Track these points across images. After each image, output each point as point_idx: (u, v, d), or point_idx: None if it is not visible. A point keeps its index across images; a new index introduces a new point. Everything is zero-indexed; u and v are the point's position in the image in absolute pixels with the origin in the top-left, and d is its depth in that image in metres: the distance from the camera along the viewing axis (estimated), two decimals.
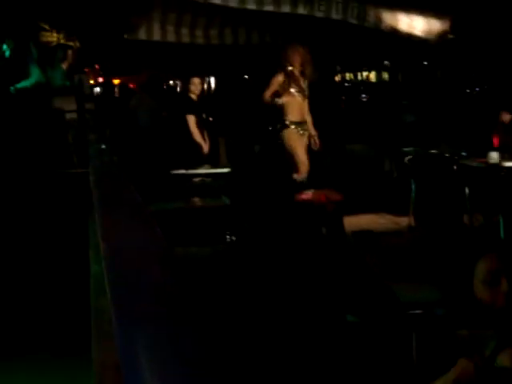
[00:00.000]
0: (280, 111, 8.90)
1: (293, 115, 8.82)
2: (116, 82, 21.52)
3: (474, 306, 2.44)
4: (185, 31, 11.99)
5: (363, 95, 18.48)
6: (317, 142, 8.82)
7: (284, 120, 8.85)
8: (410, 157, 9.14)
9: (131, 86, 19.26)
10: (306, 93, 8.83)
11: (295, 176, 8.19)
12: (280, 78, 8.87)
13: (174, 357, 0.83)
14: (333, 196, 7.17)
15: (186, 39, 12.13)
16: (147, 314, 0.97)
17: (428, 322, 3.24)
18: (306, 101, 8.87)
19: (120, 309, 1.03)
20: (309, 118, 8.91)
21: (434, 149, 9.63)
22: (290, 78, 8.77)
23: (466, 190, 8.13)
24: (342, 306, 2.65)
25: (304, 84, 8.83)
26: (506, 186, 7.51)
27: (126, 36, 11.65)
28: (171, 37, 11.90)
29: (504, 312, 2.39)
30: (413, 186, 8.77)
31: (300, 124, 8.82)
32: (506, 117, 8.18)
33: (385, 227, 8.91)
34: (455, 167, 8.49)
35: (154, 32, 11.71)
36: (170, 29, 11.81)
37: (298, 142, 8.77)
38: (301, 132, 8.80)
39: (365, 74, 25.87)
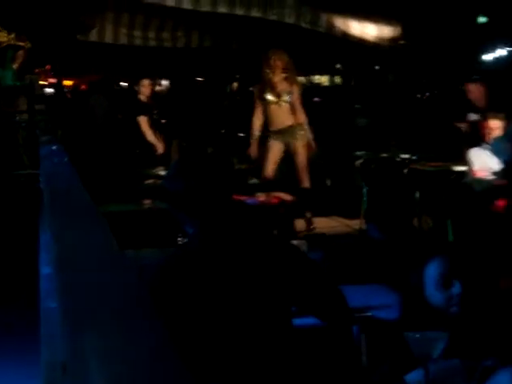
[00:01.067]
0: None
1: (272, 125, 8.71)
2: (67, 83, 21.33)
3: (424, 308, 2.46)
4: (137, 33, 11.95)
5: (316, 98, 18.57)
6: (312, 145, 8.73)
7: (266, 131, 8.75)
8: (361, 160, 9.22)
9: (83, 87, 19.10)
10: (287, 98, 8.64)
11: (249, 179, 8.19)
12: (256, 90, 8.76)
13: (122, 359, 0.83)
14: (285, 198, 7.20)
15: (138, 42, 12.09)
16: (96, 316, 0.97)
17: (377, 324, 3.27)
18: (287, 107, 8.62)
19: (69, 310, 1.03)
20: (304, 120, 8.72)
21: (385, 153, 9.72)
22: (267, 85, 8.62)
23: (416, 194, 8.23)
24: (291, 309, 2.66)
25: (288, 89, 8.64)
26: (455, 189, 7.61)
27: (78, 37, 11.56)
28: (123, 39, 11.85)
29: (456, 314, 2.42)
30: (364, 190, 8.85)
31: (280, 132, 8.70)
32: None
33: (336, 230, 8.97)
34: (406, 171, 8.59)
35: (106, 34, 11.65)
36: (123, 31, 11.76)
37: (272, 152, 8.72)
38: (283, 140, 8.68)
39: (317, 77, 25.99)
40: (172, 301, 2.55)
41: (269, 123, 8.72)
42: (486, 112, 8.17)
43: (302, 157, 8.70)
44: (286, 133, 8.66)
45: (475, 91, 8.42)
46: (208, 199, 2.71)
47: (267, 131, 8.77)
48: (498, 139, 7.25)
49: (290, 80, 8.64)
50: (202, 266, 2.61)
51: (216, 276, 2.59)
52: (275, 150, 8.73)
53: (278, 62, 8.56)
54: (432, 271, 2.49)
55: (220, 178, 2.77)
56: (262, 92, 8.65)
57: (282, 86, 8.59)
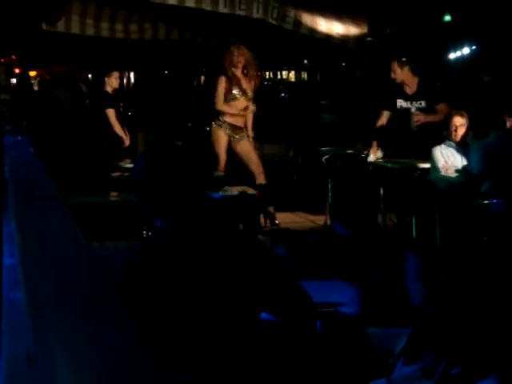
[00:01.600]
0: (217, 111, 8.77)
1: (229, 117, 8.70)
2: (33, 73, 21.15)
3: (388, 304, 2.48)
4: (104, 25, 11.88)
5: (282, 94, 18.60)
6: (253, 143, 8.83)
7: (219, 119, 8.75)
8: (327, 156, 9.25)
9: (48, 78, 18.96)
10: (250, 95, 8.69)
11: (215, 172, 8.20)
12: (223, 81, 8.73)
13: (88, 349, 0.83)
14: (250, 192, 7.20)
15: (105, 33, 12.02)
16: (61, 307, 0.97)
17: (339, 319, 3.29)
18: (250, 103, 8.70)
19: (33, 301, 1.03)
20: (250, 120, 8.78)
21: (351, 149, 9.77)
22: (232, 81, 8.63)
23: (381, 190, 8.28)
24: (257, 304, 2.66)
25: (248, 85, 8.68)
26: (418, 186, 7.67)
27: (44, 27, 11.46)
28: (90, 30, 11.77)
29: (424, 311, 2.43)
30: (329, 186, 8.88)
31: (236, 127, 8.72)
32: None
33: (301, 225, 9.00)
34: (370, 167, 8.63)
35: (73, 25, 11.57)
36: (90, 22, 11.68)
37: (223, 142, 8.73)
38: (236, 136, 8.73)
39: (284, 73, 26.03)
40: (141, 294, 2.55)
41: (226, 114, 8.70)
42: (414, 100, 8.30)
43: (253, 155, 8.77)
44: (238, 130, 8.69)
45: (400, 73, 8.48)
46: (179, 192, 2.70)
47: (218, 120, 8.75)
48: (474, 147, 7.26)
49: (250, 76, 8.69)
50: (172, 259, 2.61)
51: (185, 269, 2.59)
52: (224, 140, 8.74)
53: (241, 57, 8.60)
54: (412, 267, 2.49)
55: (190, 170, 2.76)
56: (229, 86, 8.65)
57: (245, 83, 8.65)
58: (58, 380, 0.77)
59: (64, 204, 1.68)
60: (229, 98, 8.66)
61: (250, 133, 8.80)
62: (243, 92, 8.61)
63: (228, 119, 8.71)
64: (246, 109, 8.68)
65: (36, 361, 0.90)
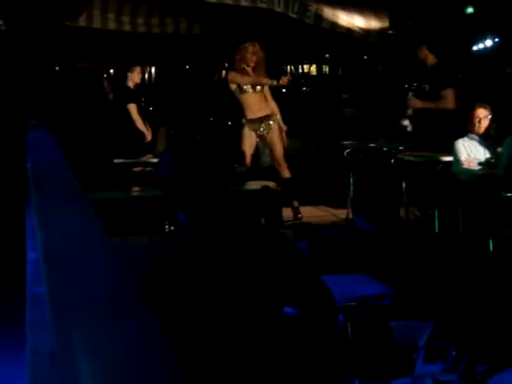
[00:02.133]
0: (238, 108, 8.89)
1: (249, 113, 8.77)
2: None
3: (412, 298, 2.47)
4: (125, 19, 11.91)
5: (304, 88, 18.56)
6: (284, 137, 8.86)
7: (241, 119, 8.84)
8: (348, 150, 9.23)
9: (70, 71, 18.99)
10: (260, 89, 8.74)
11: (238, 167, 8.22)
12: (235, 75, 8.79)
13: (111, 347, 0.83)
14: (273, 187, 7.20)
15: (126, 27, 12.05)
16: (84, 303, 0.97)
17: (363, 313, 3.28)
18: (263, 95, 8.74)
19: (57, 297, 1.03)
20: (276, 110, 8.83)
21: (373, 142, 9.73)
22: (243, 75, 8.70)
23: (403, 184, 8.25)
24: (279, 298, 2.66)
25: (257, 81, 8.73)
26: (441, 180, 7.63)
27: (66, 22, 11.50)
28: (112, 25, 11.81)
29: (444, 304, 2.42)
30: (351, 179, 8.86)
31: (257, 120, 8.76)
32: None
33: (323, 219, 8.99)
34: (392, 161, 8.60)
35: (95, 19, 11.61)
36: (111, 17, 11.72)
37: (248, 139, 8.80)
38: (257, 129, 8.76)
39: (306, 66, 25.96)
40: (166, 289, 2.55)
41: (245, 112, 8.81)
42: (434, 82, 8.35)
43: (277, 148, 8.79)
44: (260, 122, 8.75)
45: (431, 57, 8.56)
46: (203, 186, 2.71)
47: (242, 119, 8.85)
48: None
49: (258, 73, 8.73)
50: (195, 254, 2.61)
51: (209, 264, 2.60)
52: (250, 139, 8.81)
53: (254, 56, 8.67)
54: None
55: (214, 165, 2.77)
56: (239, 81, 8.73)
57: (255, 76, 8.72)
58: (80, 375, 0.77)
59: (87, 199, 1.68)
60: (239, 91, 8.73)
61: (278, 116, 8.82)
62: (252, 86, 8.69)
63: (248, 115, 8.75)
64: (258, 102, 8.73)
65: (58, 356, 0.91)
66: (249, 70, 8.69)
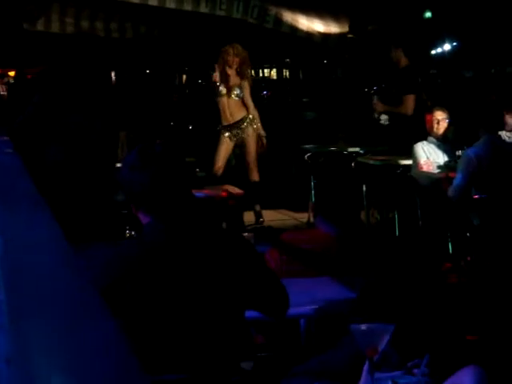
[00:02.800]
0: (203, 113, 8.84)
1: (224, 119, 8.73)
2: (11, 73, 21.02)
3: (372, 299, 2.48)
4: (84, 24, 11.85)
5: (264, 92, 18.61)
6: (264, 142, 8.78)
7: (218, 125, 8.81)
8: (309, 154, 9.26)
9: (28, 77, 18.84)
10: (238, 93, 8.67)
11: (197, 172, 8.21)
12: (216, 76, 8.75)
13: (69, 352, 0.83)
14: (234, 191, 7.20)
15: (85, 31, 11.98)
16: (42, 309, 0.96)
17: (323, 316, 3.30)
18: (240, 101, 8.65)
19: (14, 303, 1.02)
20: (255, 115, 8.75)
21: (333, 146, 9.78)
22: (222, 77, 8.64)
23: (363, 187, 8.30)
24: (241, 301, 2.67)
25: (239, 84, 8.66)
26: (401, 183, 7.69)
27: (24, 26, 11.41)
28: (70, 29, 11.74)
29: (404, 305, 2.43)
30: (312, 183, 8.89)
31: (233, 126, 8.71)
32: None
33: (284, 223, 9.00)
34: (353, 164, 8.65)
35: (53, 24, 11.53)
36: (69, 21, 11.65)
37: (224, 146, 8.75)
38: (234, 134, 8.71)
39: (266, 70, 26.02)
40: (136, 294, 2.55)
41: (221, 117, 8.76)
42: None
43: (251, 151, 8.73)
44: (236, 127, 8.69)
45: (396, 55, 8.68)
46: (174, 191, 2.70)
47: (219, 125, 8.81)
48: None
49: (241, 74, 8.67)
50: (165, 258, 2.61)
51: (175, 269, 2.60)
52: (226, 145, 8.76)
53: (236, 57, 8.61)
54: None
55: (183, 170, 2.77)
56: (217, 84, 8.70)
57: (234, 80, 8.63)
58: (37, 381, 0.77)
59: (46, 206, 1.67)
60: (215, 93, 8.72)
61: (257, 120, 8.75)
62: (228, 90, 8.62)
63: (223, 121, 8.74)
64: (234, 106, 8.68)
65: (14, 361, 0.90)
66: (230, 71, 8.63)
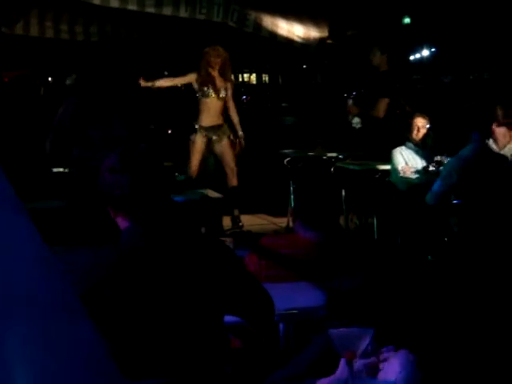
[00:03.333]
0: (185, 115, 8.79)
1: (204, 120, 8.71)
2: None
3: (351, 304, 2.48)
4: (64, 27, 11.81)
5: (244, 96, 18.62)
6: (242, 143, 8.78)
7: (195, 124, 8.77)
8: (288, 158, 9.27)
9: (6, 80, 18.75)
10: (224, 95, 8.67)
11: (177, 175, 8.18)
12: (194, 76, 8.72)
13: (47, 353, 0.82)
14: (211, 196, 7.19)
15: (64, 36, 11.94)
16: (20, 311, 0.96)
17: (302, 320, 3.30)
18: (223, 104, 8.67)
19: None
20: (235, 119, 8.75)
21: (312, 151, 9.80)
22: (206, 79, 8.62)
23: (343, 192, 8.31)
24: (220, 307, 2.66)
25: (223, 85, 8.66)
26: (379, 188, 7.71)
27: (3, 30, 11.34)
28: (49, 32, 11.69)
29: (384, 310, 2.43)
30: (291, 188, 8.90)
31: (212, 128, 8.70)
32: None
33: (263, 228, 9.00)
34: (332, 169, 8.67)
35: (32, 27, 11.48)
36: (49, 24, 11.61)
37: (197, 146, 8.72)
38: (209, 137, 8.70)
39: (245, 75, 26.04)
40: (116, 299, 2.53)
41: (200, 118, 8.74)
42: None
43: (228, 160, 8.73)
44: (213, 131, 8.68)
45: (375, 58, 8.73)
46: (153, 195, 2.69)
47: (195, 125, 8.78)
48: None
49: (225, 76, 8.68)
50: (144, 263, 2.59)
51: (155, 273, 2.58)
52: (200, 145, 8.73)
53: (218, 59, 8.61)
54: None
55: (162, 173, 2.75)
56: (202, 86, 8.67)
57: (219, 82, 8.64)
58: (15, 381, 0.76)
59: (23, 208, 1.66)
60: (201, 95, 8.68)
61: (238, 128, 8.75)
62: (216, 91, 8.62)
63: (203, 121, 8.71)
64: (217, 109, 8.67)
65: None
66: (214, 73, 8.63)
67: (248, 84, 24.45)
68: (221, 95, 8.65)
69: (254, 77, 25.65)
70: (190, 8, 9.99)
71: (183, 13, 10.00)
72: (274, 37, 10.67)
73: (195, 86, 8.79)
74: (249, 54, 15.66)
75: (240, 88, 20.42)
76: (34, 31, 11.49)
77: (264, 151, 11.58)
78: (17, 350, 0.83)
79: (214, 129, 8.69)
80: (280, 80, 20.38)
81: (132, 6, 9.78)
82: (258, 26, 10.50)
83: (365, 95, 8.93)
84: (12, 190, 1.76)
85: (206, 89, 8.64)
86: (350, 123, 8.90)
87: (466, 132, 6.64)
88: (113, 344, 2.44)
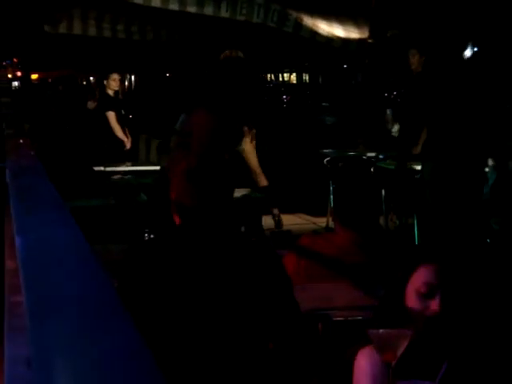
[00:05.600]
0: None
1: None
2: (34, 76, 21.14)
3: (393, 309, 2.45)
4: (106, 26, 11.91)
5: (284, 96, 18.60)
6: (254, 134, 8.74)
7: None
8: (328, 158, 9.25)
9: (50, 81, 18.96)
10: None
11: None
12: None
13: (88, 356, 0.83)
14: (254, 195, 7.20)
15: (107, 34, 12.04)
16: (63, 311, 0.97)
17: (341, 322, 3.29)
18: None
19: (35, 305, 1.03)
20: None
21: (352, 151, 9.76)
22: None
23: (383, 192, 8.27)
24: (259, 329, 2.62)
25: None
26: (419, 188, 7.66)
27: (46, 29, 11.47)
28: (92, 31, 11.80)
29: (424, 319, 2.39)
30: (331, 188, 8.88)
31: None
32: None
33: (303, 228, 8.99)
34: (372, 169, 8.63)
35: (75, 25, 11.58)
36: (92, 23, 11.71)
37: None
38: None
39: (286, 75, 26.01)
40: (145, 293, 2.52)
41: None
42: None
43: (251, 157, 8.67)
44: None
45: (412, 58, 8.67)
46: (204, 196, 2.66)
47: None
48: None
49: None
50: (176, 263, 2.57)
51: (192, 272, 2.55)
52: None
53: None
54: (418, 278, 2.43)
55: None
56: None
57: None
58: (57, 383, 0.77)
59: (65, 207, 1.68)
60: None
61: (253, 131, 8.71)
62: None
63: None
64: None
65: (35, 364, 0.90)
66: None
67: (288, 83, 24.43)
68: None
69: (294, 76, 25.61)
70: (231, 8, 10.01)
71: (224, 13, 10.02)
72: (314, 37, 10.66)
73: None
74: (289, 54, 15.64)
75: (280, 87, 20.41)
76: (77, 29, 11.59)
77: (304, 150, 11.56)
78: (61, 350, 0.84)
79: None
80: (320, 79, 20.33)
81: (173, 6, 9.83)
82: (299, 26, 10.48)
83: (403, 103, 8.85)
84: (54, 190, 1.79)
85: None
86: (390, 131, 8.85)
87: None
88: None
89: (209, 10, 9.96)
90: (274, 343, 2.68)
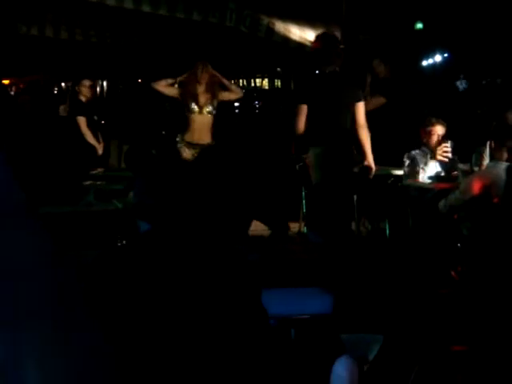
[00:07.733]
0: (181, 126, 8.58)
1: (188, 135, 8.48)
2: (6, 82, 20.98)
3: (362, 311, 2.47)
4: (78, 31, 11.88)
5: (256, 102, 18.62)
6: None
7: (177, 137, 8.57)
8: (300, 163, 9.25)
9: (21, 86, 18.86)
10: (212, 110, 8.49)
11: None
12: (175, 88, 8.59)
13: (57, 358, 0.83)
14: None
15: (79, 38, 12.01)
16: (34, 317, 0.96)
17: (313, 326, 3.30)
18: (211, 121, 8.49)
19: (4, 311, 1.02)
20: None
21: None
22: (190, 95, 8.47)
23: (354, 197, 8.29)
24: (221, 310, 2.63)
25: (208, 101, 8.54)
26: (392, 192, 7.70)
27: (19, 30, 11.41)
28: (64, 34, 11.77)
29: (393, 316, 2.42)
30: (303, 193, 8.88)
31: (196, 145, 8.29)
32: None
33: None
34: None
35: (47, 29, 11.56)
36: (63, 27, 11.69)
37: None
38: (193, 154, 8.29)
39: (258, 80, 26.04)
40: (120, 299, 2.51)
41: (186, 133, 8.52)
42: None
43: None
44: (198, 149, 8.41)
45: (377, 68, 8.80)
46: (178, 207, 2.66)
47: (177, 137, 8.58)
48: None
49: (212, 93, 8.55)
50: (149, 265, 2.56)
51: (161, 278, 2.54)
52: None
53: (205, 74, 8.48)
54: None
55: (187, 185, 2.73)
56: (185, 101, 8.55)
57: (204, 97, 8.47)
58: None
59: (36, 214, 1.67)
60: (186, 110, 8.48)
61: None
62: (200, 107, 8.45)
63: (188, 137, 8.48)
64: (202, 126, 8.50)
65: (5, 368, 0.90)
66: (199, 89, 8.49)
67: (260, 89, 24.44)
68: (205, 111, 8.46)
69: (266, 82, 25.64)
70: (203, 12, 10.03)
71: (196, 16, 10.03)
72: (286, 42, 10.69)
73: (179, 98, 8.63)
74: (261, 59, 15.66)
75: (252, 93, 20.43)
76: (49, 32, 11.54)
77: (276, 156, 11.57)
78: (28, 355, 0.84)
79: (197, 146, 8.32)
80: (292, 85, 20.35)
81: (146, 8, 9.83)
82: (271, 32, 10.52)
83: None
84: (24, 196, 1.78)
85: (190, 105, 8.43)
86: None
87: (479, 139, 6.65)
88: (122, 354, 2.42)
89: (181, 14, 9.97)
90: (242, 352, 2.67)
